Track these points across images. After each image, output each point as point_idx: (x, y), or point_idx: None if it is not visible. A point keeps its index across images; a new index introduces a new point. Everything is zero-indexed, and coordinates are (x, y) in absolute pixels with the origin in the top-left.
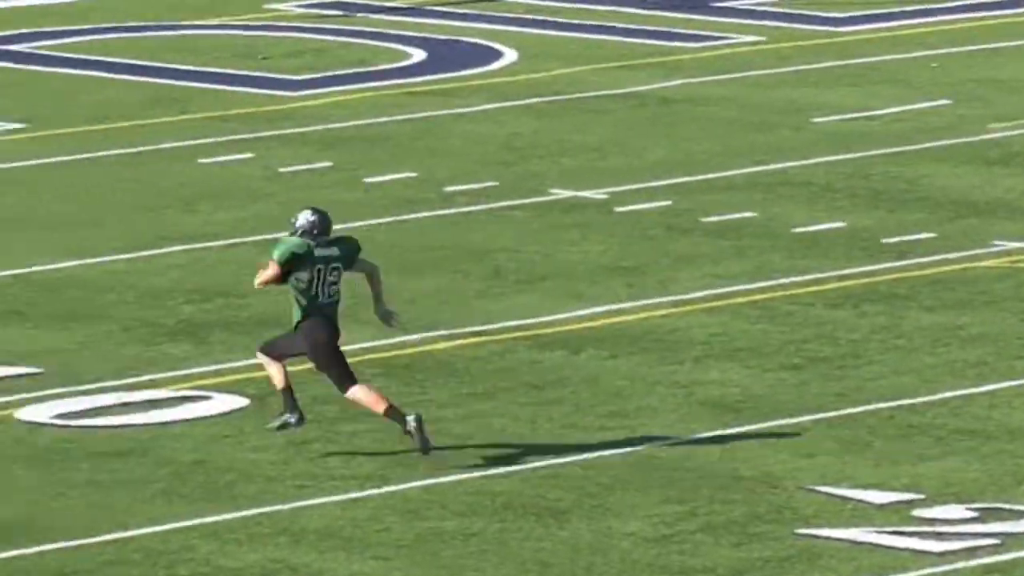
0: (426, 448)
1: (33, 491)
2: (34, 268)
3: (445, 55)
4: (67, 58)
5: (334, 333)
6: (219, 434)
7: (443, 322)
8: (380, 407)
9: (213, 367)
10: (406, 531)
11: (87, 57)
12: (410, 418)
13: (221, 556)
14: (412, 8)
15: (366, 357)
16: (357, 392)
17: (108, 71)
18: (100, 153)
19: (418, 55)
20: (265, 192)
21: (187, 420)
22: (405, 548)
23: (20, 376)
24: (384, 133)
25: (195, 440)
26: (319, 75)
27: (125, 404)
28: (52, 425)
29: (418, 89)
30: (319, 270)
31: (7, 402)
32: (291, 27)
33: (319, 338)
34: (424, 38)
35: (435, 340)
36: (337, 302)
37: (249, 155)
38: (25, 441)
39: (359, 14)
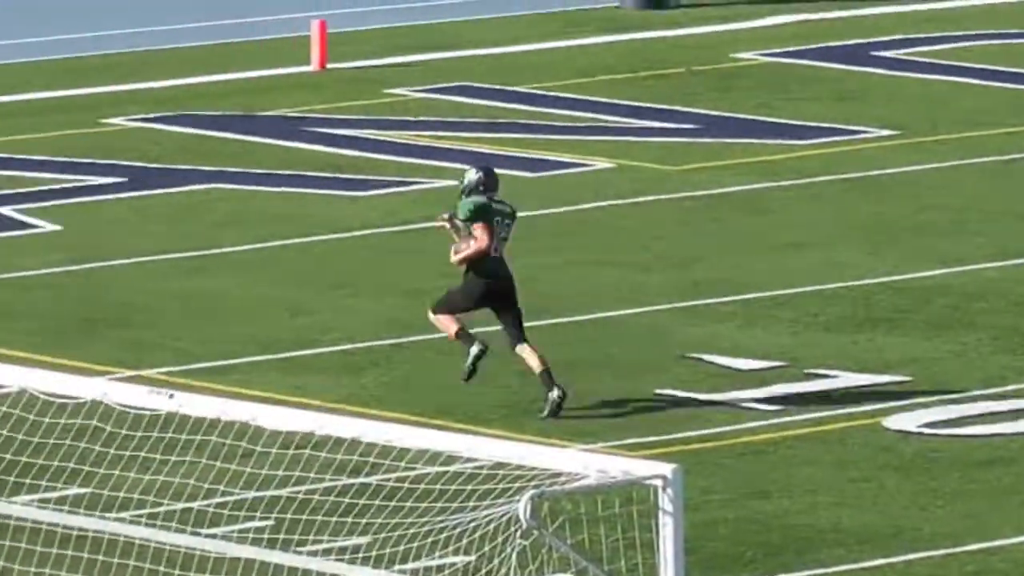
0: (553, 414)
1: (901, 499)
2: (905, 276)
3: None
4: (940, 64)
5: (498, 285)
6: None
7: None
8: (538, 367)
9: None
10: None
11: (960, 64)
12: (554, 393)
13: None
14: None
15: None
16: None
17: (980, 78)
18: (971, 160)
19: None
20: None
21: None
22: None
23: (889, 384)
24: None
25: None
26: None
27: (992, 413)
28: (920, 434)
29: None
30: (496, 222)
31: (876, 410)
32: None
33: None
34: None
35: None
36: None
37: None
38: (894, 449)
39: None
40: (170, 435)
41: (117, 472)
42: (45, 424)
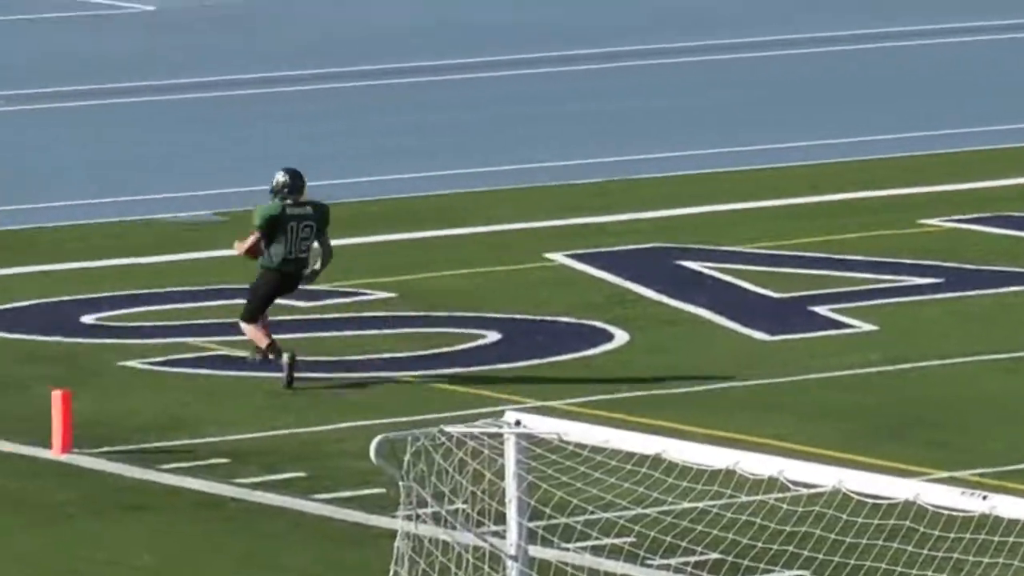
0: (289, 384)
1: None
2: None
3: None
4: None
5: (284, 286)
6: None
7: None
8: (263, 343)
9: None
10: None
11: None
12: (286, 355)
13: None
14: None
15: None
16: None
17: None
18: None
19: None
20: None
21: None
22: None
23: None
24: None
25: None
26: None
27: None
28: None
29: None
30: (291, 227)
31: None
32: None
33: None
34: None
35: None
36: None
37: None
38: None
39: None
40: (983, 537)
41: (929, 573)
42: (858, 524)
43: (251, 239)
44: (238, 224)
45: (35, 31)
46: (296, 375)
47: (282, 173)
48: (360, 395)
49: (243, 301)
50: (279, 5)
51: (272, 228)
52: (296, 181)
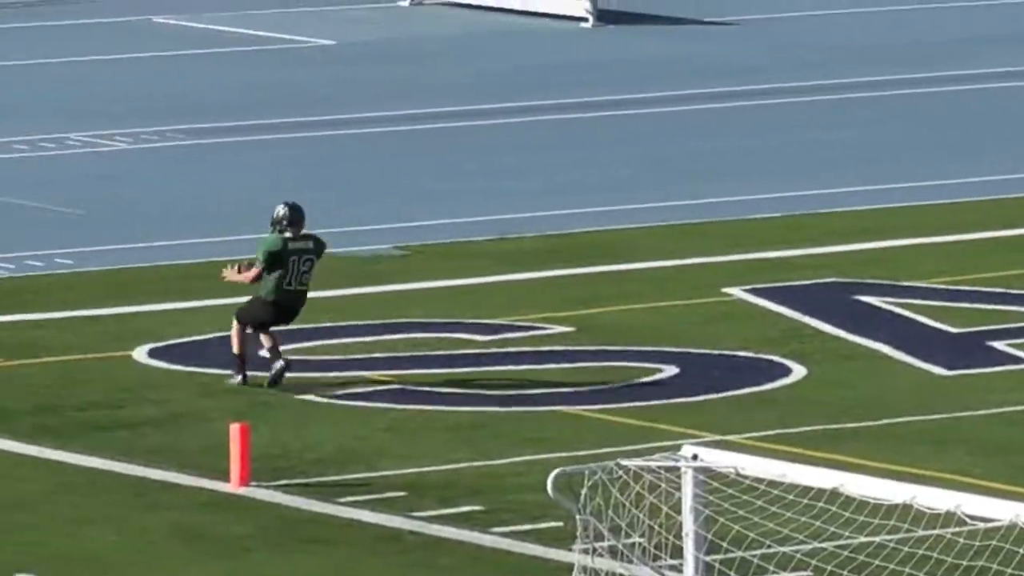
0: (273, 383)
1: None
2: None
3: None
4: None
5: (280, 317)
6: None
7: None
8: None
9: None
10: None
11: None
12: (281, 361)
13: None
14: None
15: None
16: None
17: None
18: None
19: None
20: None
21: None
22: None
23: None
24: None
25: None
26: None
27: None
28: None
29: None
30: (293, 261)
31: None
32: None
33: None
34: None
35: None
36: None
37: None
38: None
39: None
40: None
41: None
42: None
43: (253, 272)
44: (419, 258)
45: (219, 65)
46: (282, 382)
47: (283, 207)
48: (537, 428)
49: (423, 334)
50: (444, 44)
51: (273, 261)
52: (295, 215)
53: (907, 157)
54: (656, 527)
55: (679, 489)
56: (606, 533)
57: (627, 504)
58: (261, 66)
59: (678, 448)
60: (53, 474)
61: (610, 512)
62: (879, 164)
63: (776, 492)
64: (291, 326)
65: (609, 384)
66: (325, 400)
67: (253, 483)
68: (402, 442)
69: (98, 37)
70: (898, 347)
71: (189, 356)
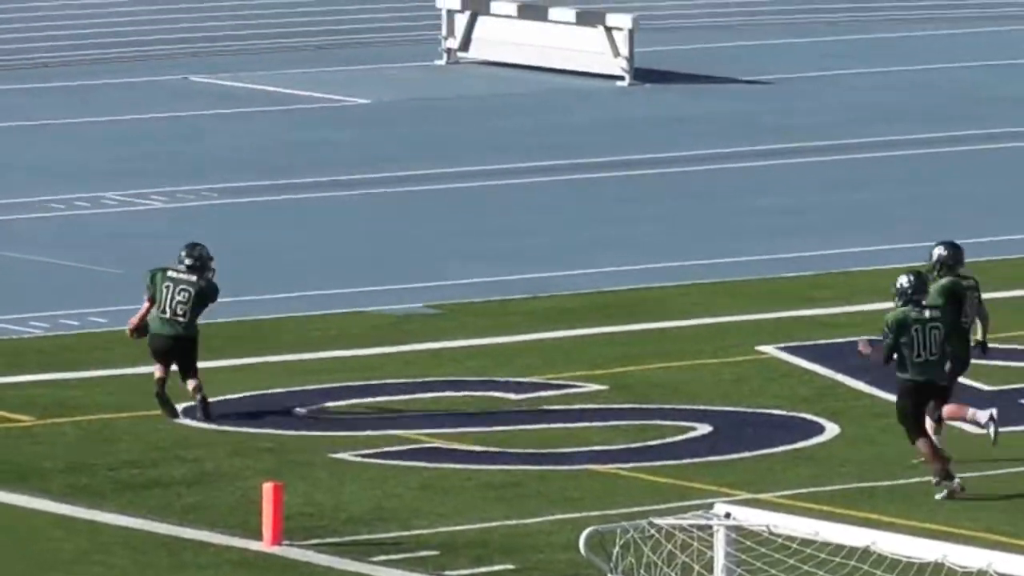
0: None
1: None
2: None
3: None
4: None
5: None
6: None
7: None
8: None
9: None
10: None
11: None
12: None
13: None
14: None
15: None
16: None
17: None
18: None
19: None
20: None
21: None
22: None
23: None
24: None
25: None
26: None
27: None
28: None
29: None
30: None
31: None
32: None
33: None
34: None
35: None
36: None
37: None
38: None
39: None
40: None
41: None
42: None
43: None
44: (452, 316)
45: (255, 123)
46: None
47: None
48: (570, 487)
49: (456, 393)
50: (480, 102)
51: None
52: (193, 253)
53: (936, 216)
54: None
55: (711, 548)
56: None
57: (659, 563)
58: (296, 125)
59: (711, 507)
60: (86, 534)
61: (642, 571)
62: (910, 222)
63: (809, 551)
64: (319, 384)
65: (642, 442)
66: (358, 459)
67: (286, 542)
68: (435, 501)
69: (135, 96)
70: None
71: (220, 415)
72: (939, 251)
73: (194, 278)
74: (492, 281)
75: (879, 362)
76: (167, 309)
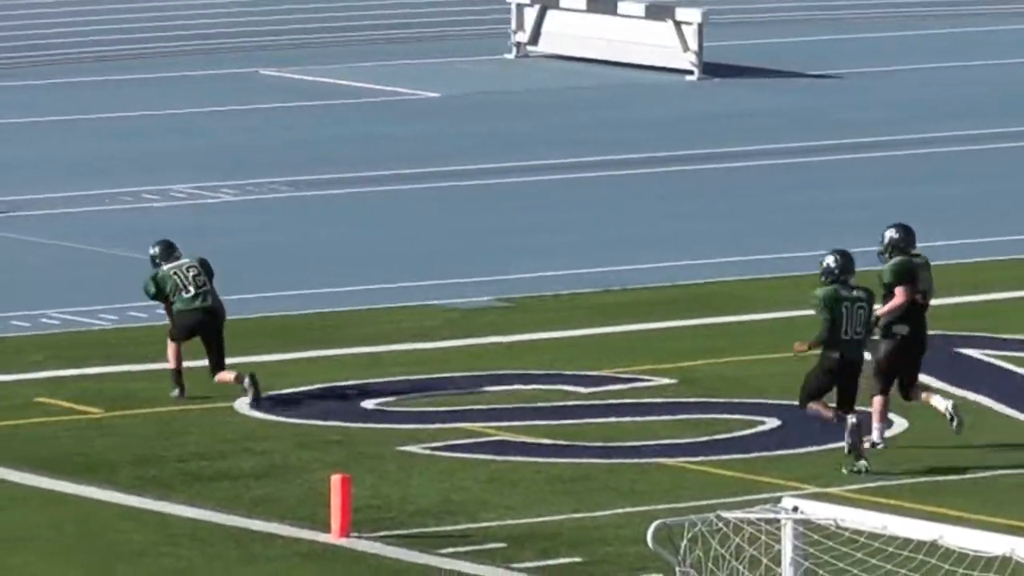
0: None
1: None
2: None
3: None
4: None
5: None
6: None
7: None
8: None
9: None
10: None
11: None
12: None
13: None
14: None
15: None
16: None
17: None
18: None
19: None
20: None
21: None
22: None
23: None
24: None
25: None
26: None
27: None
28: None
29: None
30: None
31: None
32: None
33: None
34: None
35: None
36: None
37: None
38: None
39: None
40: None
41: None
42: None
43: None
44: (522, 310)
45: (324, 117)
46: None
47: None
48: (638, 480)
49: (525, 386)
50: (549, 96)
51: (159, 291)
52: (164, 244)
53: (1011, 210)
54: None
55: (779, 541)
56: None
57: (727, 556)
58: (365, 118)
59: (778, 500)
60: (155, 526)
61: (710, 564)
62: (982, 217)
63: (876, 544)
64: (387, 377)
65: (710, 436)
66: (426, 451)
67: (353, 534)
68: (503, 494)
69: (205, 89)
70: (999, 399)
71: (289, 407)
72: (890, 233)
73: (187, 259)
74: (562, 275)
75: (820, 341)
76: (190, 288)
